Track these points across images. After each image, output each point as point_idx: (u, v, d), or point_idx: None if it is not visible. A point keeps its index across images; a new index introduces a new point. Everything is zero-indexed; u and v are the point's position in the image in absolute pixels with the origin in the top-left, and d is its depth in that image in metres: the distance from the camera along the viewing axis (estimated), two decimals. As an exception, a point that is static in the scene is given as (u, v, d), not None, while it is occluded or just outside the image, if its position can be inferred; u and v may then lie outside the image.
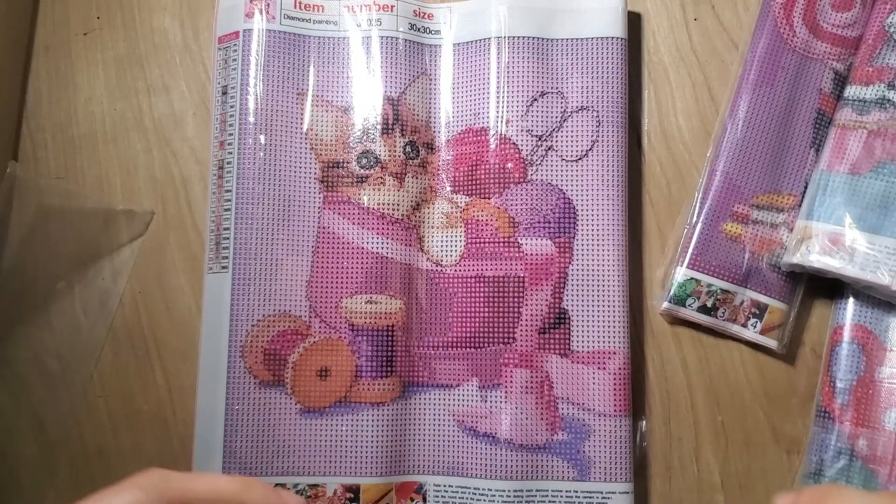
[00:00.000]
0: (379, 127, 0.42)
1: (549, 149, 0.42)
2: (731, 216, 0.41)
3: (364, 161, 0.42)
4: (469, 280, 0.42)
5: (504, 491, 0.39)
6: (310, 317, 0.41)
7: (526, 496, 0.39)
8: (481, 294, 0.41)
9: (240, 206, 0.41)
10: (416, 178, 0.43)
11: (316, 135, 0.43)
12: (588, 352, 0.40)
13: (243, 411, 0.40)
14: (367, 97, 0.43)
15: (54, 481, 0.43)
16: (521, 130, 0.42)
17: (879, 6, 0.42)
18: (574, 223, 0.41)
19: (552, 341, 0.41)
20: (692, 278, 0.41)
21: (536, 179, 0.42)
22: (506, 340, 0.41)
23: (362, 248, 0.42)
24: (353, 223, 0.42)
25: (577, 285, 0.41)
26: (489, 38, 0.43)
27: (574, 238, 0.41)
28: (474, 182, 0.42)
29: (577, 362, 0.40)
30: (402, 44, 0.43)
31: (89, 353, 0.44)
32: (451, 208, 0.43)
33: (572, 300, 0.41)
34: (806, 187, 0.42)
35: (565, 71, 0.43)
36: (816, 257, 0.39)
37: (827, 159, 0.41)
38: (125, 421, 0.44)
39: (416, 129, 0.43)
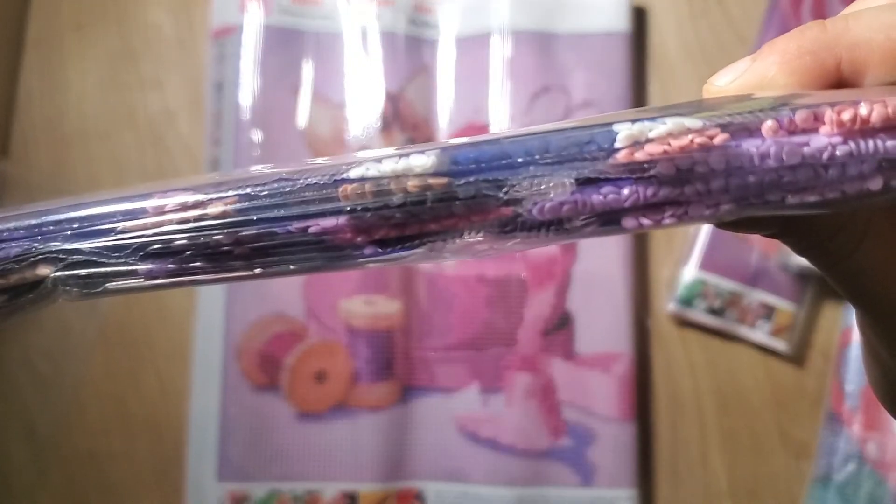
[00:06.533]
0: (378, 123, 0.42)
1: (552, 146, 0.41)
2: (739, 215, 0.41)
3: (362, 158, 0.42)
4: (470, 280, 0.41)
5: (506, 497, 0.39)
6: (306, 318, 0.41)
7: (528, 502, 0.39)
8: (482, 295, 0.41)
9: (235, 205, 0.41)
10: (416, 175, 0.42)
11: (313, 132, 0.42)
12: (592, 355, 0.40)
13: (238, 415, 0.40)
14: (365, 93, 0.42)
15: (45, 485, 0.43)
16: (524, 126, 0.41)
17: None
18: (578, 222, 0.41)
19: (555, 344, 0.40)
20: (700, 279, 0.40)
21: (539, 177, 0.41)
22: (508, 343, 0.40)
23: (360, 247, 0.41)
24: (351, 222, 0.41)
25: (582, 286, 0.40)
26: (490, 33, 0.42)
27: (578, 237, 0.41)
28: (475, 180, 0.42)
29: (581, 365, 0.40)
30: (402, 39, 0.43)
31: (81, 355, 0.44)
32: (452, 207, 0.42)
33: (576, 302, 0.40)
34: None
35: (569, 66, 0.42)
36: (827, 257, 0.38)
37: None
38: (117, 424, 0.43)
39: (415, 125, 0.42)
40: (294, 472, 0.40)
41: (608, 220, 0.14)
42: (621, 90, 0.42)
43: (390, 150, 0.14)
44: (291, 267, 0.15)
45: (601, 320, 0.40)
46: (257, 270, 0.15)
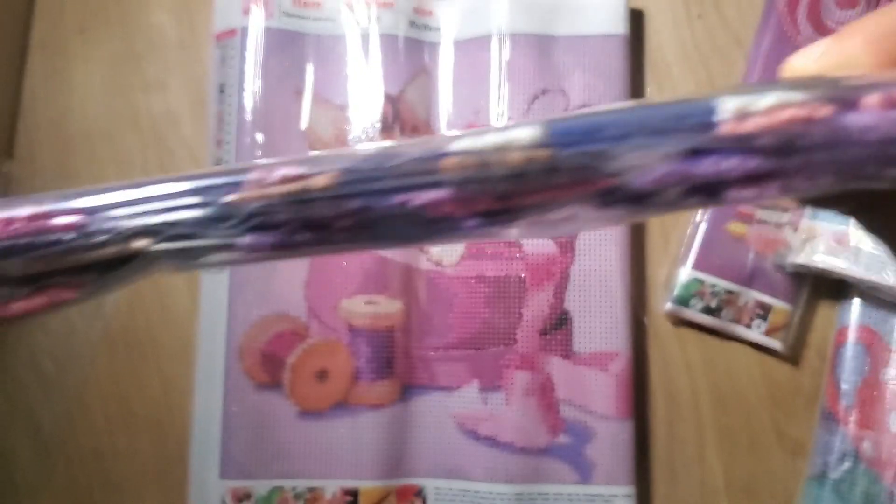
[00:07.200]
0: (378, 125, 0.42)
1: (550, 147, 0.42)
2: (736, 216, 0.41)
3: (363, 160, 0.42)
4: (470, 280, 0.41)
5: (505, 494, 0.39)
6: (308, 318, 0.41)
7: (527, 499, 0.39)
8: (482, 295, 0.41)
9: (237, 206, 0.41)
10: (416, 177, 0.42)
11: (314, 133, 0.42)
12: (590, 353, 0.40)
13: (240, 413, 0.40)
14: (366, 95, 0.42)
15: (50, 483, 0.43)
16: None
17: (884, 3, 0.42)
18: (576, 223, 0.41)
19: (554, 343, 0.40)
20: (696, 279, 0.41)
21: (538, 178, 0.41)
22: (507, 342, 0.41)
23: (361, 248, 0.41)
24: (352, 223, 0.41)
25: (580, 286, 0.41)
26: (490, 35, 0.42)
27: (576, 238, 0.41)
28: (475, 181, 0.42)
29: (579, 364, 0.40)
30: (402, 41, 0.43)
31: (85, 355, 0.44)
32: (452, 208, 0.42)
33: (574, 301, 0.41)
34: (811, 186, 0.41)
35: (567, 68, 0.42)
36: (821, 257, 0.39)
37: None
38: (121, 423, 0.43)
39: (415, 127, 0.43)
40: (296, 470, 0.40)
41: (709, 192, 0.14)
42: (619, 92, 0.42)
43: (491, 126, 0.14)
44: (392, 240, 0.14)
45: (599, 320, 0.40)
46: (358, 243, 0.15)
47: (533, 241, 0.41)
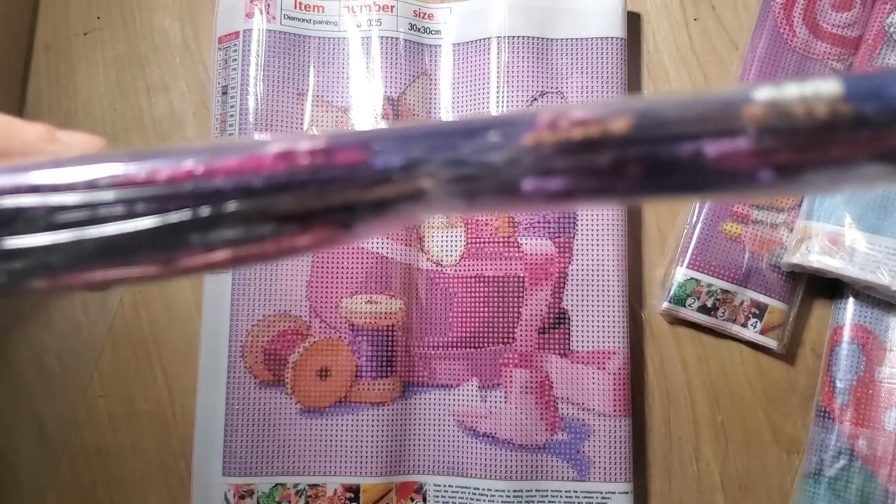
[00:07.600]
0: (379, 127, 0.42)
1: (549, 149, 0.42)
2: (731, 216, 0.41)
3: (364, 161, 0.42)
4: (469, 280, 0.42)
5: (504, 491, 0.39)
6: (310, 317, 0.41)
7: (525, 496, 0.39)
8: (481, 294, 0.41)
9: (240, 206, 0.41)
10: (416, 178, 0.43)
11: (316, 135, 0.43)
12: (588, 352, 0.40)
13: (243, 411, 0.40)
14: (367, 97, 0.43)
15: (54, 481, 0.43)
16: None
17: (879, 6, 0.42)
18: (574, 223, 0.41)
19: (552, 341, 0.41)
20: (692, 278, 0.41)
21: (536, 179, 0.42)
22: (505, 340, 0.41)
23: (362, 248, 0.42)
24: (353, 223, 0.42)
25: (577, 285, 0.41)
26: (489, 38, 0.43)
27: (574, 238, 0.41)
28: (474, 182, 0.42)
29: (577, 362, 0.40)
30: (403, 44, 0.43)
31: (89, 353, 0.44)
32: (451, 208, 0.43)
33: (572, 300, 0.41)
34: (806, 187, 0.42)
35: (565, 71, 0.43)
36: (816, 257, 0.39)
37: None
38: (125, 421, 0.44)
39: (416, 129, 0.43)
40: (298, 467, 0.40)
41: None
42: (616, 95, 0.42)
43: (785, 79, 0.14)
44: (680, 190, 0.14)
45: (596, 318, 0.41)
46: (644, 192, 0.14)
47: (531, 242, 0.41)
